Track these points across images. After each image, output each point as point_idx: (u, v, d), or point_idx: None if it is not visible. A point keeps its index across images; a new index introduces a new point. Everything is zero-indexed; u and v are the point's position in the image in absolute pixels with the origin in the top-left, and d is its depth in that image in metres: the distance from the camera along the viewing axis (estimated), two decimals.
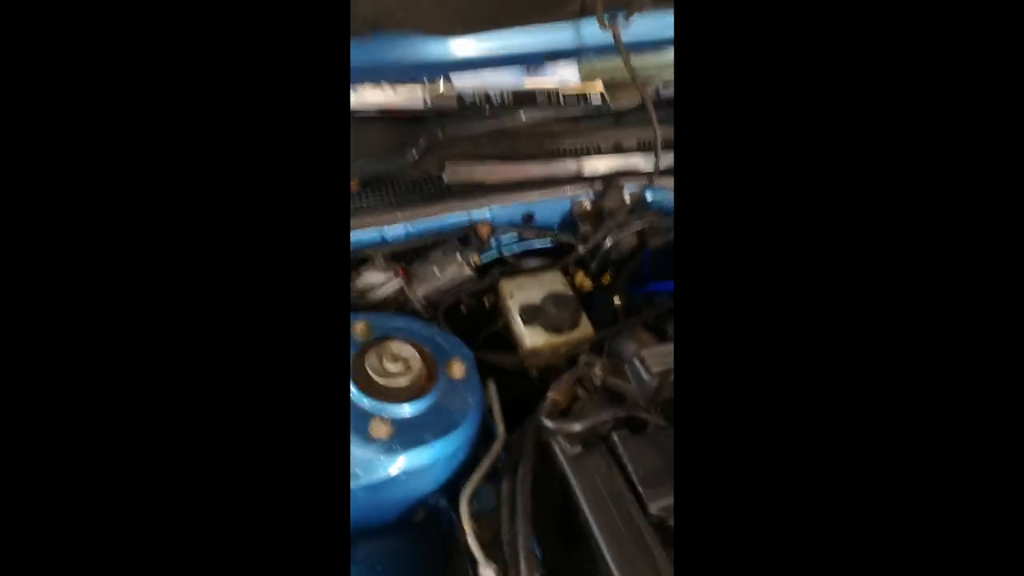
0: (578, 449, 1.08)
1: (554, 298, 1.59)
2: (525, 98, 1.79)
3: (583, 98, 1.84)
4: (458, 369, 1.22)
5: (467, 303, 1.76)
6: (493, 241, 1.72)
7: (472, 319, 1.77)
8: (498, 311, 1.76)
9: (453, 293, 1.62)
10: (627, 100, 1.72)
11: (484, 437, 1.21)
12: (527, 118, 1.66)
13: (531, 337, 1.56)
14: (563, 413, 1.19)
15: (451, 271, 1.59)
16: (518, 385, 1.50)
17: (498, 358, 1.59)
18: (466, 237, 1.65)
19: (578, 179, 1.68)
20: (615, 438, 1.05)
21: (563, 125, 1.71)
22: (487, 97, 1.76)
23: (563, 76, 1.82)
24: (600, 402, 1.18)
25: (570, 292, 1.65)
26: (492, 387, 1.44)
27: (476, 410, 1.16)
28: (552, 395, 1.33)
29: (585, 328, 1.60)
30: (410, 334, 1.22)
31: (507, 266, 1.77)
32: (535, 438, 1.14)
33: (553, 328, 1.56)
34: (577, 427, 1.11)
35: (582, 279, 1.78)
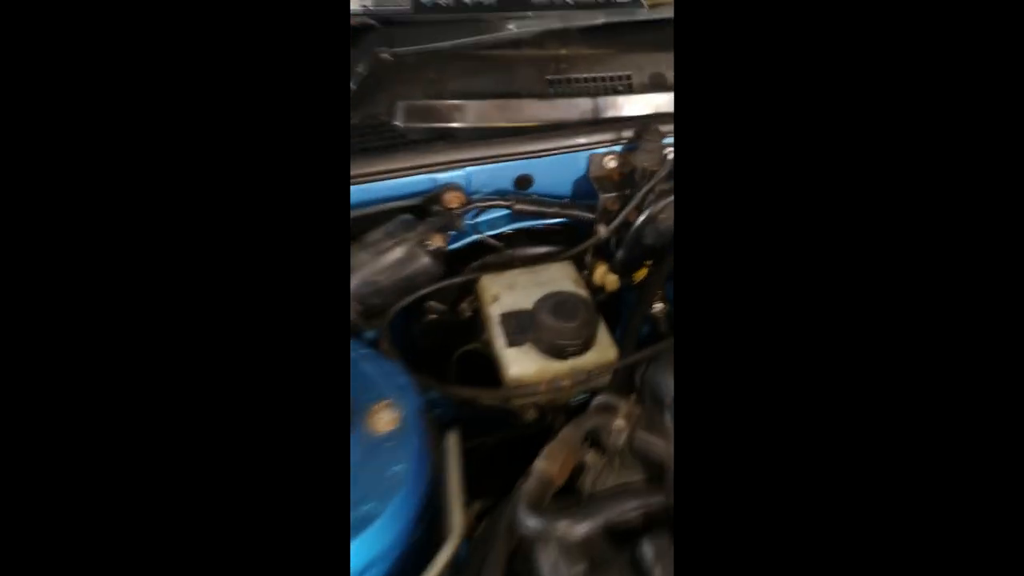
0: (581, 570, 0.69)
1: (554, 302, 1.02)
2: None
3: None
4: (384, 419, 0.83)
5: (435, 309, 1.21)
6: (468, 218, 1.16)
7: (447, 333, 1.22)
8: (481, 321, 1.20)
9: (404, 294, 1.07)
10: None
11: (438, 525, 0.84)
12: (519, 30, 1.09)
13: (517, 362, 1.00)
14: (562, 492, 0.80)
15: (400, 260, 1.05)
16: (508, 435, 1.11)
17: (475, 392, 1.03)
18: (426, 210, 1.10)
19: (598, 125, 1.09)
20: (646, 549, 0.69)
21: (574, 42, 1.13)
22: None
23: None
24: (622, 473, 0.81)
25: (582, 293, 1.08)
26: (453, 444, 0.90)
27: (415, 486, 0.80)
28: (541, 466, 0.78)
29: (604, 350, 1.03)
30: None
31: (491, 255, 1.21)
32: (507, 543, 0.77)
33: (552, 348, 1.00)
34: (580, 530, 0.73)
35: (603, 274, 1.21)
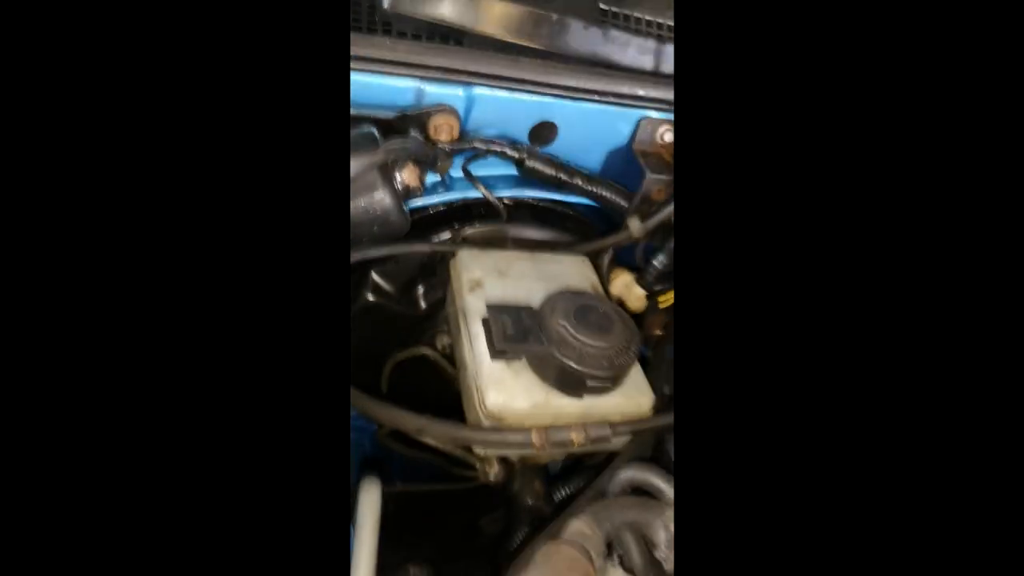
0: None
1: (578, 304, 0.65)
2: None
3: None
4: None
5: (378, 287, 0.82)
6: (457, 161, 0.78)
7: (387, 327, 0.84)
8: (446, 314, 0.82)
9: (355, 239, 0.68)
10: None
11: None
12: None
13: (502, 386, 0.61)
14: None
15: (358, 192, 0.65)
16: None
17: (420, 424, 0.64)
18: (401, 127, 0.71)
19: (660, 79, 0.74)
20: None
21: None
22: None
23: None
24: None
25: (606, 298, 0.72)
26: (369, 499, 0.52)
27: None
28: None
29: (635, 394, 0.66)
30: None
31: (480, 223, 0.83)
32: None
33: (563, 376, 0.62)
34: None
35: (627, 286, 0.85)
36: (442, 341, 0.86)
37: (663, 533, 0.50)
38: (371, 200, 0.65)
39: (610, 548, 0.52)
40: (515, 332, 0.63)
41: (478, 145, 0.76)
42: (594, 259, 0.86)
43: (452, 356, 0.85)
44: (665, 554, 0.50)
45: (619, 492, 0.56)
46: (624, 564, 0.51)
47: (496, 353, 0.62)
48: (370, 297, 0.83)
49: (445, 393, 0.81)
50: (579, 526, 0.50)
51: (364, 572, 0.55)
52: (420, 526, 0.91)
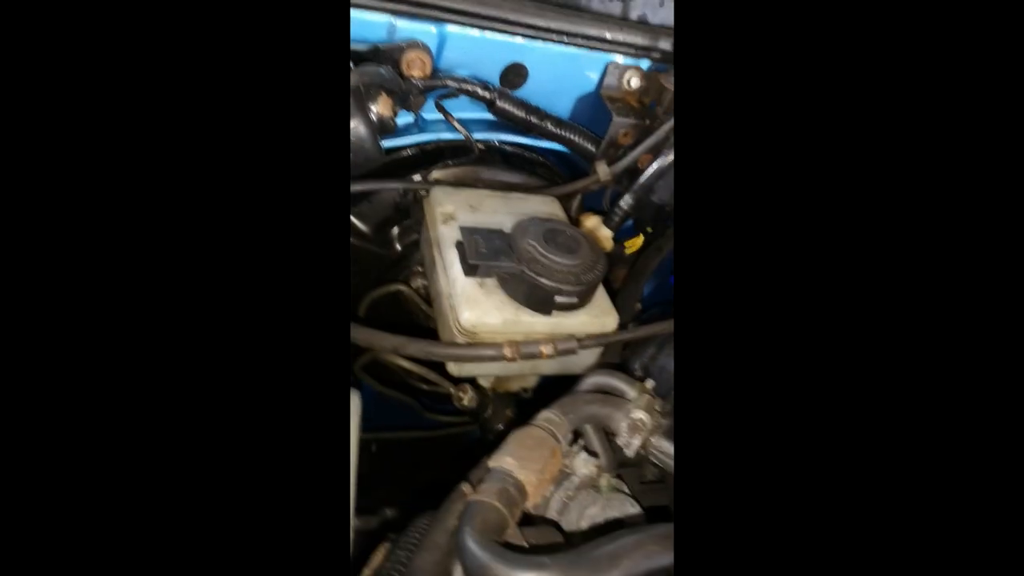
0: None
1: (545, 228, 0.68)
2: None
3: None
4: None
5: (354, 229, 0.84)
6: (428, 101, 0.80)
7: (363, 268, 0.85)
8: (420, 254, 0.84)
9: None
10: None
11: None
12: None
13: (475, 303, 0.64)
14: (526, 523, 0.50)
15: None
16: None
17: (396, 342, 0.66)
18: (373, 59, 0.73)
19: (627, 25, 0.78)
20: None
21: None
22: None
23: None
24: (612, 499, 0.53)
25: (574, 227, 0.74)
26: (351, 408, 0.54)
27: None
28: (508, 469, 0.42)
29: (601, 314, 0.68)
30: None
31: (449, 161, 0.85)
32: None
33: (532, 293, 0.64)
34: None
35: (594, 228, 0.88)
36: (417, 282, 0.88)
37: (624, 423, 0.52)
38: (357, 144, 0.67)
39: (576, 438, 0.55)
40: (487, 250, 0.65)
41: (450, 83, 0.78)
42: (563, 204, 0.88)
43: (427, 296, 0.87)
44: (626, 440, 0.52)
45: (589, 390, 0.58)
46: (588, 451, 0.54)
47: (469, 269, 0.64)
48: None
49: (419, 332, 0.83)
50: (547, 414, 0.52)
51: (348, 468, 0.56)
52: (394, 473, 0.93)
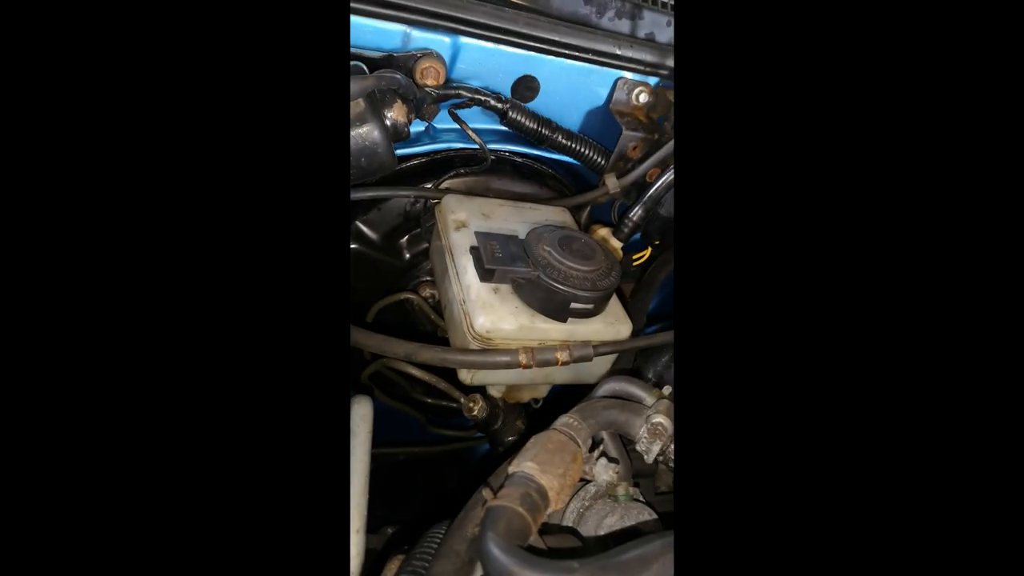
0: None
1: (560, 235, 0.68)
2: None
3: None
4: None
5: (363, 236, 0.83)
6: (441, 112, 0.80)
7: (371, 274, 0.85)
8: (430, 263, 0.84)
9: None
10: None
11: None
12: None
13: (491, 308, 0.63)
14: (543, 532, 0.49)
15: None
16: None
17: (408, 348, 0.65)
18: (386, 67, 0.73)
19: (637, 41, 0.79)
20: None
21: None
22: None
23: None
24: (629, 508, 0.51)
25: (587, 235, 0.74)
26: (363, 413, 0.52)
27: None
28: (530, 474, 0.43)
29: (615, 322, 0.68)
30: None
31: (458, 170, 0.85)
32: None
33: (548, 300, 0.64)
34: None
35: (605, 239, 0.88)
36: (425, 291, 0.87)
37: (643, 429, 0.52)
38: (359, 131, 0.66)
39: (594, 446, 0.54)
40: (503, 256, 0.65)
41: (464, 93, 0.78)
42: (572, 215, 0.88)
43: (435, 305, 0.86)
44: (646, 446, 0.51)
45: (606, 396, 0.58)
46: (608, 457, 0.53)
47: (485, 273, 0.64)
48: (353, 245, 0.84)
49: (427, 341, 0.82)
50: (567, 419, 0.51)
51: (359, 480, 0.55)
52: (398, 489, 0.91)
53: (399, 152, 0.79)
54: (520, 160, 0.90)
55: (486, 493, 0.47)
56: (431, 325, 0.87)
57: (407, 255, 0.87)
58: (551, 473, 0.46)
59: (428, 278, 0.87)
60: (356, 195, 0.76)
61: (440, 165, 0.85)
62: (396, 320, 0.87)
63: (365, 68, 0.69)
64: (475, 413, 0.74)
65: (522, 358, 0.61)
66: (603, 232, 0.88)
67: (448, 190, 0.83)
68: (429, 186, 0.84)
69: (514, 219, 0.77)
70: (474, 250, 0.67)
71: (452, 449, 1.04)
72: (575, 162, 0.91)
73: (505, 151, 0.89)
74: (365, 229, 0.83)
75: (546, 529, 0.51)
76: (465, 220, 0.75)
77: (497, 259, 0.64)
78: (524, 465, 0.46)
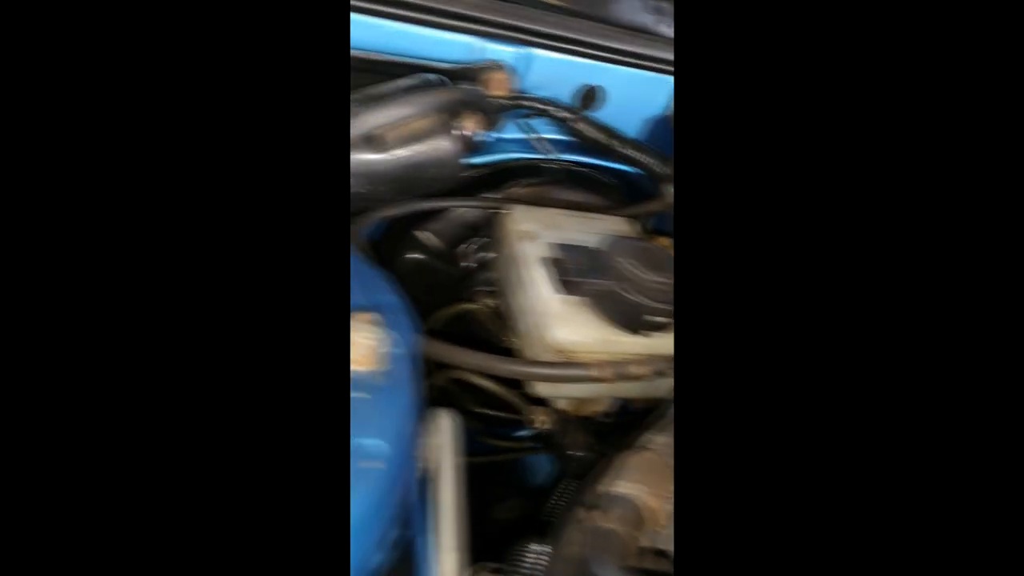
0: None
1: (637, 246, 0.67)
2: None
3: None
4: (361, 347, 0.45)
5: (428, 243, 0.83)
6: (508, 122, 0.80)
7: (433, 283, 0.84)
8: (495, 273, 0.83)
9: (403, 189, 0.69)
10: None
11: None
12: None
13: (569, 322, 0.63)
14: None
15: (414, 135, 0.66)
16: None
17: (485, 362, 0.64)
18: (456, 80, 0.73)
19: None
20: None
21: None
22: None
23: None
24: None
25: (660, 247, 0.73)
26: (448, 430, 0.52)
27: (391, 481, 0.43)
28: (630, 494, 0.42)
29: None
30: None
31: (519, 180, 0.84)
32: None
33: (625, 312, 0.63)
34: None
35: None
36: (486, 301, 0.87)
37: None
38: (436, 151, 0.66)
39: None
40: (577, 267, 0.64)
41: (533, 103, 0.78)
42: (640, 223, 0.88)
43: (494, 315, 0.86)
44: None
45: None
46: None
47: (561, 286, 0.63)
48: (414, 255, 0.84)
49: (489, 351, 0.82)
50: (663, 440, 0.51)
51: (447, 539, 0.52)
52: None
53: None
54: (577, 169, 0.90)
55: (584, 515, 0.47)
56: (489, 334, 0.86)
57: (469, 264, 0.87)
58: (652, 495, 0.45)
59: (488, 287, 0.87)
60: (425, 205, 0.76)
61: (500, 175, 0.85)
62: (455, 331, 0.87)
63: (440, 80, 0.69)
64: (542, 425, 0.74)
65: (605, 372, 0.61)
66: (665, 242, 0.87)
67: (512, 200, 0.82)
68: (493, 196, 0.84)
69: (582, 230, 0.77)
70: (547, 261, 0.67)
71: (503, 460, 1.03)
72: (633, 170, 0.90)
73: (562, 160, 0.89)
74: (429, 238, 0.83)
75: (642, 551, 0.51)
76: (532, 231, 0.74)
77: (572, 271, 0.63)
78: (625, 486, 0.46)
